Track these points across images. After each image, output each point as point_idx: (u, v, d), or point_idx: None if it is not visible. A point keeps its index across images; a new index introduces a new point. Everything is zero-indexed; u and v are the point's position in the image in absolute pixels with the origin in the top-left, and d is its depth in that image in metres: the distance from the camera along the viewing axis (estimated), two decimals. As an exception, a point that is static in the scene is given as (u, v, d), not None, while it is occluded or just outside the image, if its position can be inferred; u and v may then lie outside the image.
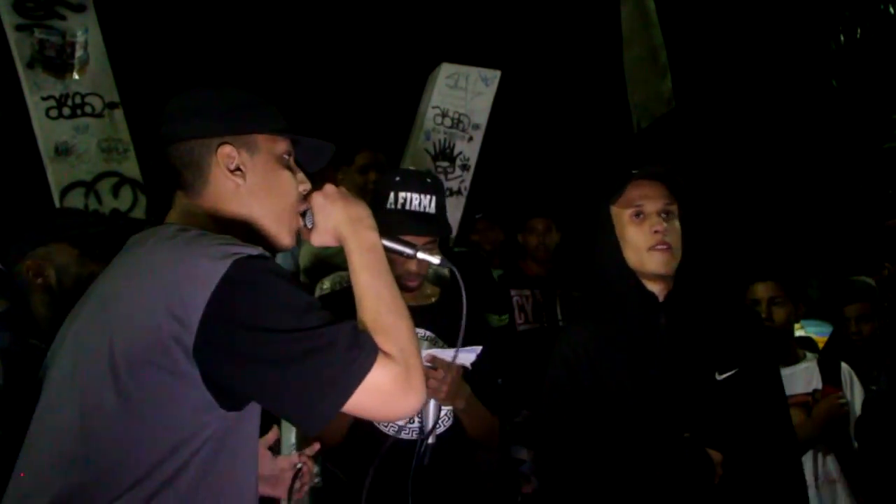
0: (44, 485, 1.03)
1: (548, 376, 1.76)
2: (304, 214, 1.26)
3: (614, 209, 1.73)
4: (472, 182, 4.29)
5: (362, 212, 1.24)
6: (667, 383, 1.66)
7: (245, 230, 1.19)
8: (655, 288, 1.70)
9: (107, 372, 1.02)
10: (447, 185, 4.17)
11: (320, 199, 1.24)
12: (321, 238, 1.25)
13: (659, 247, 1.65)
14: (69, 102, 3.53)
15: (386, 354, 1.05)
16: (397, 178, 1.90)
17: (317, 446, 1.57)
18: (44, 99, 3.49)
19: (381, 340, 1.06)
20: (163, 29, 4.89)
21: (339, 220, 1.22)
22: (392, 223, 1.84)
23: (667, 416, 1.64)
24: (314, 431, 1.04)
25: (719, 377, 1.63)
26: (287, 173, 1.25)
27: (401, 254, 1.32)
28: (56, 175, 3.53)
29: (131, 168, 3.69)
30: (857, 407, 2.41)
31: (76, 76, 3.55)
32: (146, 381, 1.01)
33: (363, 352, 1.04)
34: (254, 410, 1.13)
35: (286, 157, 1.25)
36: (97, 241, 1.85)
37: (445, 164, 4.22)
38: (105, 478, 1.01)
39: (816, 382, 2.40)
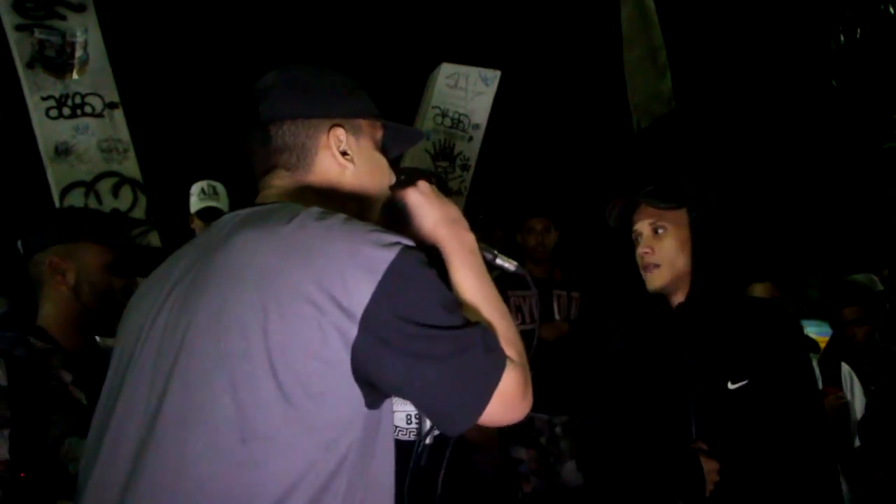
0: (198, 485, 0.95)
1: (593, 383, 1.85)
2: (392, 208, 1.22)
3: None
4: (472, 182, 4.30)
5: (458, 213, 1.19)
6: (677, 391, 1.69)
7: (354, 216, 1.10)
8: (672, 299, 1.77)
9: (263, 360, 0.95)
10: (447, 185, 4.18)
11: (417, 195, 1.20)
12: (415, 236, 1.17)
13: (646, 268, 1.74)
14: (69, 102, 3.53)
15: (510, 358, 1.03)
16: (402, 177, 1.90)
17: None
18: (44, 99, 3.49)
19: (502, 344, 1.04)
20: (162, 29, 4.89)
21: (437, 218, 1.17)
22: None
23: (677, 424, 1.68)
24: (457, 432, 1.02)
25: (731, 387, 1.65)
26: (384, 160, 1.22)
27: (482, 257, 1.28)
28: (56, 175, 3.53)
29: (131, 168, 3.69)
30: (858, 407, 2.41)
31: (76, 76, 3.55)
32: (303, 371, 0.95)
33: (497, 355, 1.02)
34: (389, 409, 1.09)
35: (380, 143, 1.22)
36: (125, 254, 1.78)
37: (445, 164, 4.22)
38: (265, 478, 0.94)
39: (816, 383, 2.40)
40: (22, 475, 1.61)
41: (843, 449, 2.32)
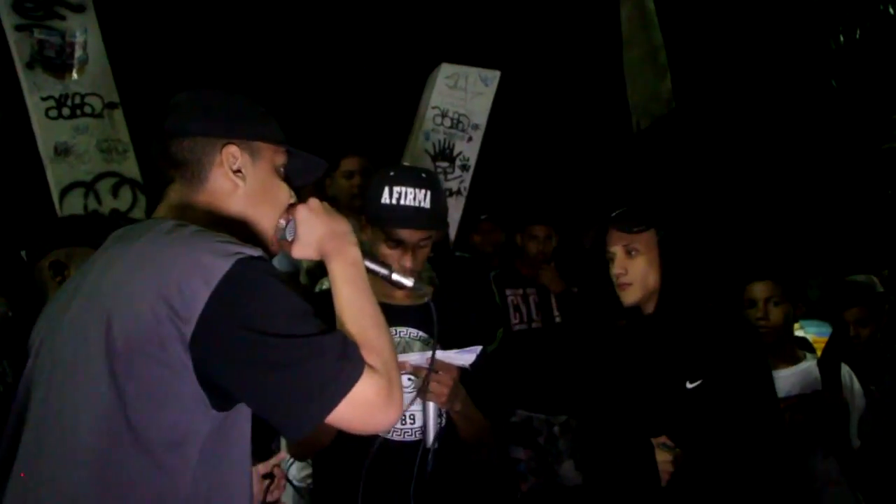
0: (57, 487, 1.03)
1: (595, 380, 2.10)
2: (285, 226, 1.28)
3: None
4: (471, 182, 4.29)
5: (345, 227, 1.27)
6: (641, 390, 1.90)
7: (239, 232, 1.20)
8: (642, 309, 1.96)
9: (103, 365, 1.02)
10: (447, 185, 4.17)
11: (305, 212, 1.27)
12: (303, 251, 1.28)
13: (621, 286, 1.94)
14: (69, 103, 3.53)
15: (370, 367, 1.07)
16: (392, 173, 1.89)
17: (283, 455, 1.58)
18: (43, 99, 3.49)
19: (365, 353, 1.09)
20: (162, 29, 4.90)
21: (322, 234, 1.25)
22: (386, 217, 1.84)
23: (643, 420, 1.87)
24: (296, 438, 1.08)
25: (689, 386, 1.82)
26: (281, 183, 1.28)
27: (376, 274, 1.35)
28: (55, 175, 3.53)
29: (131, 168, 3.69)
30: (857, 407, 2.41)
31: (76, 76, 3.55)
32: (142, 374, 1.01)
33: (351, 363, 1.06)
34: (244, 413, 1.14)
35: (282, 169, 1.29)
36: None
37: (445, 164, 4.22)
38: (108, 478, 1.01)
39: (816, 383, 2.40)
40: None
41: (843, 449, 2.32)
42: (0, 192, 4.12)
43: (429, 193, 1.85)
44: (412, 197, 1.84)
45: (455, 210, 4.14)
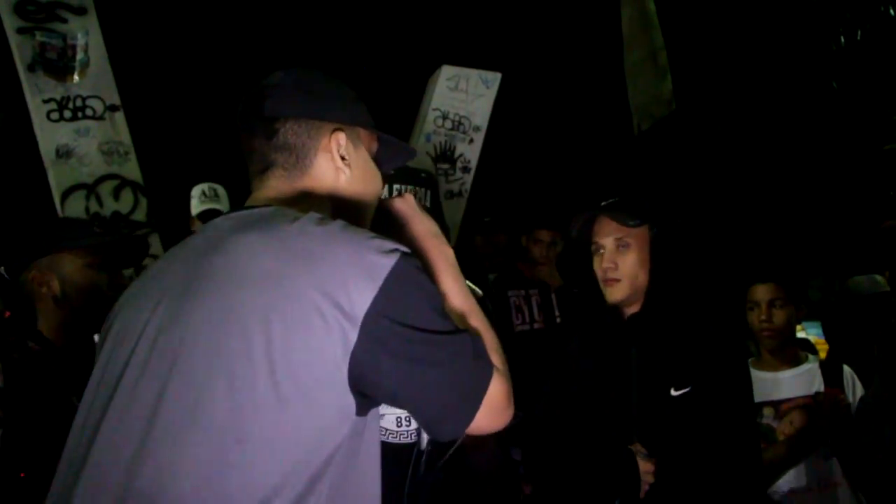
0: (193, 486, 0.94)
1: (548, 377, 1.89)
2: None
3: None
4: (472, 184, 4.30)
5: (437, 227, 1.24)
6: (625, 395, 1.78)
7: (345, 216, 1.12)
8: (628, 310, 1.85)
9: (264, 363, 0.95)
10: (448, 187, 4.17)
11: (403, 206, 1.24)
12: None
13: (608, 281, 1.81)
14: (70, 105, 3.54)
15: (496, 367, 1.05)
16: (393, 172, 1.91)
17: None
18: (45, 102, 3.50)
19: (489, 352, 1.07)
20: (163, 31, 4.90)
21: (421, 230, 1.21)
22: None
23: (621, 427, 1.77)
24: (449, 437, 1.03)
25: (674, 393, 1.73)
26: (377, 171, 1.24)
27: None
28: (57, 178, 3.53)
29: (132, 170, 3.70)
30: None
31: (77, 79, 3.56)
32: (303, 376, 0.96)
33: (486, 362, 1.04)
34: (375, 417, 1.09)
35: (374, 155, 1.24)
36: (101, 251, 1.87)
37: (446, 166, 4.23)
38: (254, 479, 0.95)
39: (818, 385, 2.40)
40: (22, 475, 1.63)
41: (845, 451, 2.32)
42: (1, 194, 4.12)
43: (428, 192, 1.87)
44: (413, 194, 1.85)
45: (456, 212, 4.14)
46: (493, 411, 1.03)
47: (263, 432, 0.95)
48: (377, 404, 1.05)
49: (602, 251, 1.83)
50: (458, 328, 1.04)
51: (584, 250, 1.92)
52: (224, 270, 1.02)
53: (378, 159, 1.26)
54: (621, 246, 1.81)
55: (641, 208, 1.81)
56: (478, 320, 1.12)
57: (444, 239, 1.22)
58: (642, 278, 1.80)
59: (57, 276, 1.80)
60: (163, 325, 1.03)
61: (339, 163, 1.17)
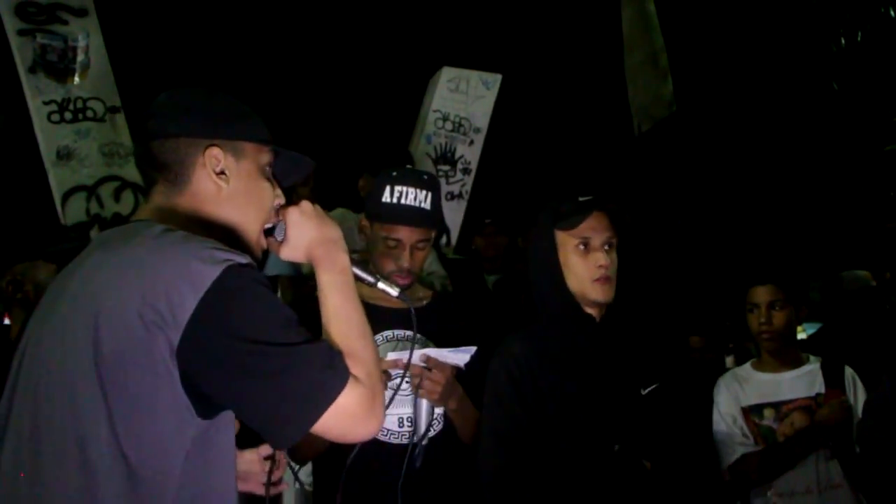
0: (52, 491, 1.02)
1: (491, 389, 1.78)
2: (273, 227, 1.26)
3: (560, 234, 1.80)
4: (473, 186, 4.30)
5: (336, 233, 1.25)
6: (599, 399, 1.75)
7: (223, 235, 1.18)
8: (592, 311, 1.80)
9: (91, 370, 1.01)
10: (448, 188, 4.17)
11: (296, 214, 1.25)
12: (292, 253, 1.26)
13: (602, 280, 1.75)
14: (71, 107, 3.54)
15: (354, 378, 1.06)
16: (395, 173, 1.91)
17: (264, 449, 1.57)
18: (45, 103, 3.50)
19: (350, 363, 1.08)
20: (164, 33, 4.91)
21: (313, 238, 1.23)
22: (386, 215, 1.85)
23: (600, 430, 1.73)
24: (282, 447, 1.07)
25: (644, 392, 1.74)
26: (267, 184, 1.25)
27: (363, 281, 1.34)
28: (57, 179, 3.54)
29: (133, 172, 3.69)
30: (861, 411, 2.40)
31: (78, 80, 3.57)
32: (127, 381, 1.01)
33: (336, 373, 1.05)
34: (229, 420, 1.13)
35: (268, 168, 1.26)
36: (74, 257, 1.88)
37: (446, 167, 4.23)
38: (94, 487, 1.01)
39: (819, 386, 2.39)
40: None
41: (846, 452, 2.31)
42: (2, 196, 4.12)
43: (429, 195, 1.87)
44: (413, 197, 1.85)
45: (456, 213, 4.14)
46: (347, 419, 1.05)
47: (98, 439, 1.01)
48: (221, 408, 1.08)
49: (590, 247, 1.76)
50: (306, 339, 1.05)
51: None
52: (71, 289, 1.09)
53: (278, 171, 1.28)
54: (611, 244, 1.78)
55: (624, 209, 1.81)
56: (352, 329, 1.14)
57: (338, 245, 1.24)
58: (615, 281, 1.79)
59: (31, 281, 1.83)
60: (25, 349, 1.11)
61: (215, 178, 1.19)
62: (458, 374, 1.79)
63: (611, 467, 1.70)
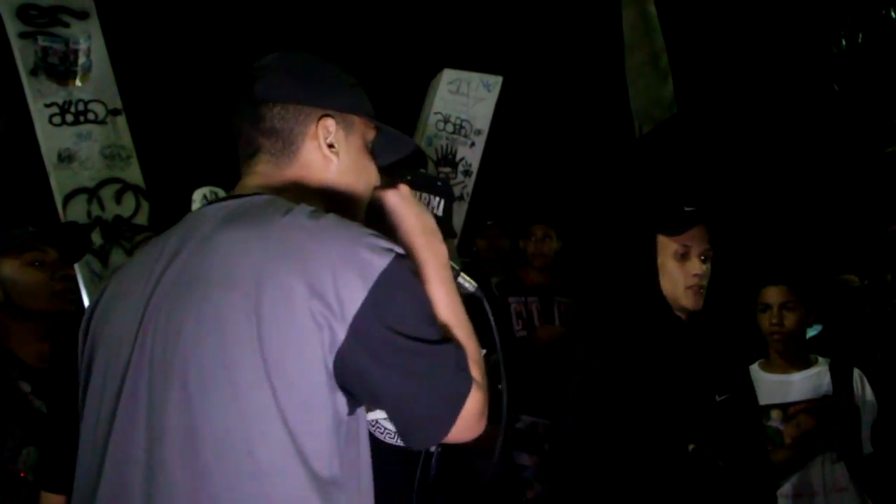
0: (213, 499, 0.94)
1: (573, 388, 1.82)
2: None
3: (662, 239, 1.85)
4: (474, 188, 4.29)
5: (434, 223, 1.17)
6: (678, 400, 1.78)
7: (336, 207, 1.10)
8: (681, 315, 1.85)
9: (259, 367, 0.93)
10: (449, 191, 4.16)
11: (396, 198, 1.16)
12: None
13: (695, 288, 1.80)
14: (72, 109, 3.53)
15: (475, 379, 1.02)
16: (409, 178, 1.90)
17: None
18: (47, 106, 3.49)
19: (470, 364, 1.04)
20: (165, 36, 4.90)
21: (413, 226, 1.14)
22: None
23: (676, 430, 1.76)
24: (423, 447, 1.04)
25: (718, 399, 1.76)
26: (372, 161, 1.19)
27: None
28: (59, 182, 3.53)
29: (134, 174, 3.69)
30: (868, 412, 2.39)
31: (79, 83, 3.56)
32: (295, 378, 0.94)
33: (466, 375, 1.01)
34: (363, 415, 1.08)
35: (370, 145, 1.19)
36: (34, 247, 1.87)
37: (447, 169, 4.22)
38: (274, 486, 0.94)
39: (827, 387, 2.39)
40: (22, 475, 1.62)
41: (853, 454, 2.31)
42: (3, 198, 4.12)
43: (442, 202, 1.86)
44: (426, 203, 1.84)
45: (457, 215, 4.13)
46: (467, 423, 1.01)
47: (270, 439, 0.94)
48: (361, 403, 1.03)
49: (689, 255, 1.82)
50: (444, 338, 1.01)
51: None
52: (213, 271, 0.99)
53: (375, 150, 1.21)
54: (707, 256, 1.83)
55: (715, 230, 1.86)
56: (463, 329, 1.07)
57: (439, 236, 1.16)
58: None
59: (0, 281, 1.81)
60: (157, 333, 1.00)
61: (325, 151, 1.12)
62: None
63: (686, 466, 1.73)
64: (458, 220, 4.15)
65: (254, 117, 1.12)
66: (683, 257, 1.81)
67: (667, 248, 1.83)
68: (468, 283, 1.26)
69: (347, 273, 0.94)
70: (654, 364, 1.80)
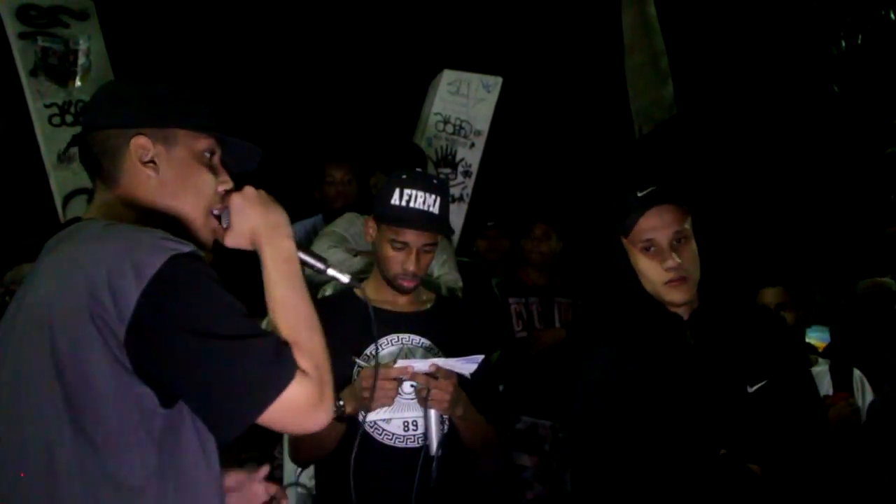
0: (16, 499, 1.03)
1: (582, 400, 1.71)
2: (220, 215, 1.24)
3: (624, 240, 1.67)
4: (474, 189, 4.29)
5: (280, 219, 1.22)
6: (699, 401, 1.61)
7: (166, 225, 1.16)
8: (679, 309, 1.66)
9: (52, 377, 1.01)
10: (449, 192, 4.17)
11: (238, 199, 1.23)
12: (235, 240, 1.24)
13: (674, 282, 1.59)
14: (72, 110, 3.53)
15: (302, 371, 1.05)
16: (404, 176, 1.90)
17: (266, 470, 1.54)
18: (46, 106, 3.50)
19: (297, 356, 1.06)
20: (165, 36, 4.91)
21: (256, 224, 1.20)
22: (394, 218, 1.84)
23: (702, 434, 1.60)
24: (228, 439, 1.05)
25: (750, 389, 1.58)
26: (204, 170, 1.22)
27: (312, 267, 1.31)
28: (59, 182, 3.53)
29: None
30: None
31: (79, 84, 3.56)
32: (88, 379, 1.01)
33: (283, 367, 1.04)
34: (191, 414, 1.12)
35: (206, 154, 1.23)
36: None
37: (447, 170, 4.22)
38: (63, 489, 1.01)
39: (827, 388, 2.39)
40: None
41: (855, 454, 2.31)
42: (3, 199, 4.12)
43: (438, 200, 1.86)
44: (422, 201, 1.84)
45: (457, 216, 4.13)
46: (294, 413, 1.04)
47: (74, 456, 1.01)
48: (173, 398, 1.07)
49: (656, 248, 1.60)
50: (253, 331, 1.04)
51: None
52: (29, 295, 1.09)
53: (228, 160, 1.26)
54: (681, 238, 1.60)
55: (679, 191, 1.63)
56: (300, 320, 1.11)
57: (283, 231, 1.20)
58: (698, 272, 1.61)
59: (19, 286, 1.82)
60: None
61: (141, 167, 1.18)
62: (464, 380, 1.78)
63: (716, 474, 1.56)
64: (458, 220, 4.15)
65: (84, 146, 1.21)
66: (649, 251, 1.60)
67: (632, 247, 1.63)
68: (341, 276, 1.33)
69: (122, 275, 1.00)
70: (655, 369, 1.64)
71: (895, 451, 2.15)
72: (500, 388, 2.90)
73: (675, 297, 1.61)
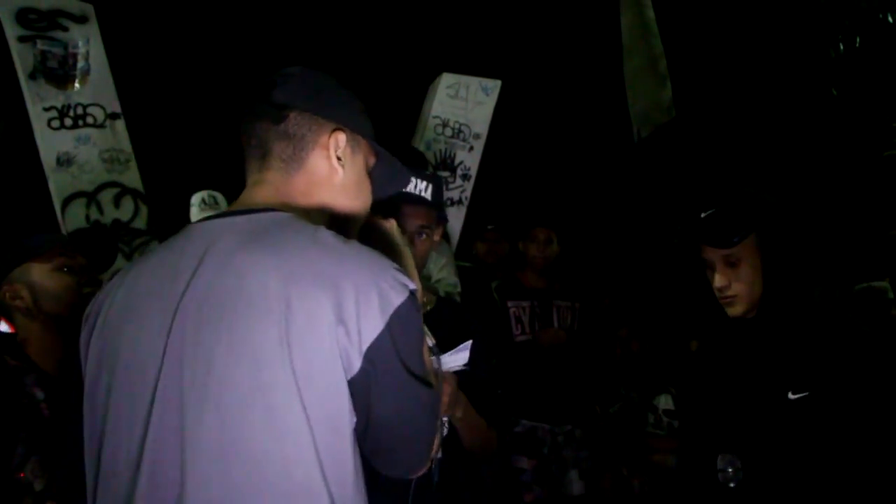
0: None
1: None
2: None
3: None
4: (472, 192, 4.30)
5: (410, 261, 1.29)
6: (733, 402, 1.69)
7: (336, 225, 1.15)
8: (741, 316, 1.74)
9: (293, 391, 0.98)
10: (448, 194, 4.17)
11: (387, 227, 1.30)
12: None
13: (723, 299, 1.70)
14: (71, 113, 3.54)
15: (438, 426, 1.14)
16: (384, 197, 1.90)
17: None
18: (45, 110, 3.50)
19: None
20: (164, 40, 4.91)
21: (401, 256, 1.27)
22: (388, 203, 1.84)
23: (724, 434, 1.68)
24: (404, 476, 1.12)
25: (792, 397, 1.61)
26: (370, 184, 1.24)
27: None
28: (58, 185, 3.54)
29: (133, 178, 3.70)
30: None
31: (78, 87, 3.57)
32: (325, 403, 1.00)
33: (438, 422, 1.13)
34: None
35: (370, 171, 1.25)
36: (64, 252, 1.86)
37: (446, 173, 4.23)
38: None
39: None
40: (21, 475, 1.62)
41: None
42: (2, 202, 4.12)
43: (430, 186, 1.86)
44: (413, 186, 1.84)
45: (456, 219, 4.14)
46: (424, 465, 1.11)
47: (304, 463, 0.98)
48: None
49: (710, 266, 1.71)
50: (432, 381, 1.09)
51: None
52: (240, 294, 1.00)
53: (374, 178, 1.26)
54: (730, 263, 1.68)
55: (743, 220, 1.68)
56: (434, 375, 1.14)
57: (414, 274, 1.25)
58: (758, 287, 1.67)
59: (26, 286, 1.79)
60: (185, 357, 1.01)
61: (334, 161, 1.16)
62: (464, 382, 1.78)
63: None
64: (457, 224, 4.16)
65: (272, 119, 1.16)
66: (707, 269, 1.72)
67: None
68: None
69: (369, 304, 1.00)
70: (716, 371, 1.75)
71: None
72: (499, 391, 2.90)
73: (728, 311, 1.72)
